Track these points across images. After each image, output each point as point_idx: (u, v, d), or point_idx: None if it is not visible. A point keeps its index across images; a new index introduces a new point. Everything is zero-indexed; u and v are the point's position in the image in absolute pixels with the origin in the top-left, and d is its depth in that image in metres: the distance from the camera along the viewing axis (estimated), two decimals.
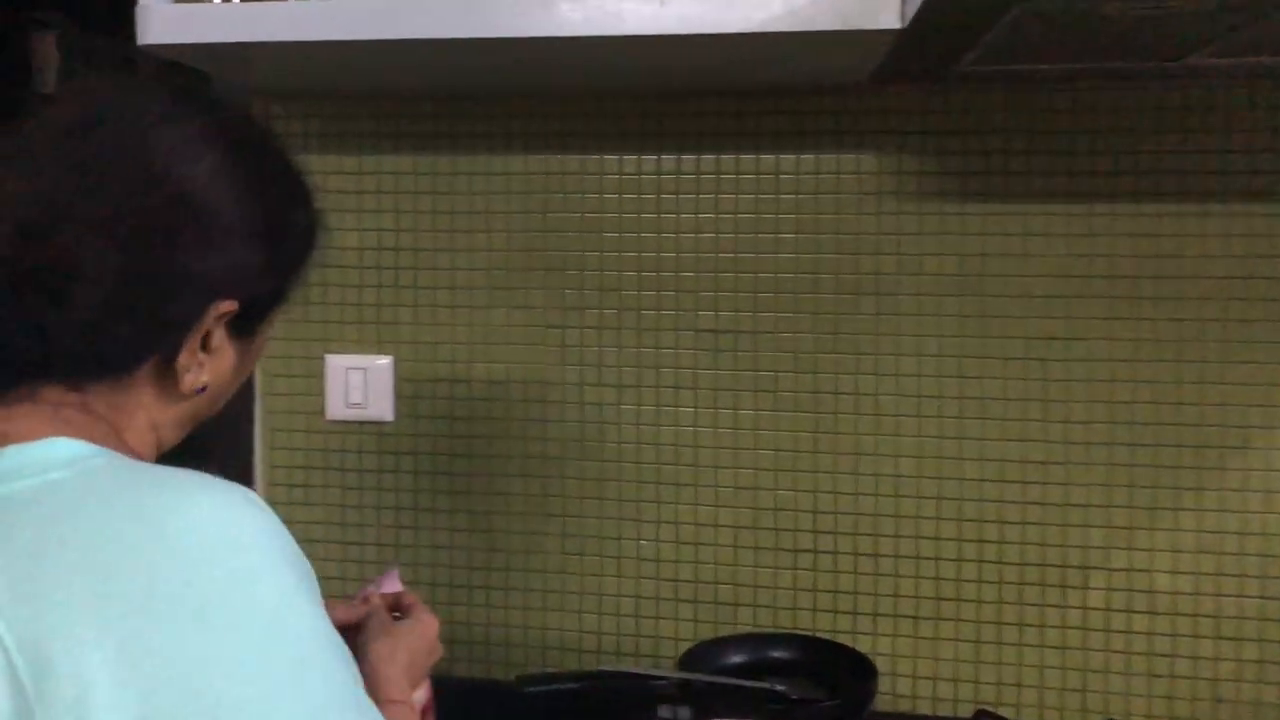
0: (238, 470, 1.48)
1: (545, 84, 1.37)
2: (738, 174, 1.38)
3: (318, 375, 1.47)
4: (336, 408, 1.46)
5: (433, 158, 1.44)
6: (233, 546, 0.56)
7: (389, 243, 1.46)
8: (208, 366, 0.69)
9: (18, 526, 0.54)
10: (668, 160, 1.39)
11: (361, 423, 1.47)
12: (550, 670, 1.38)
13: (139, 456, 0.66)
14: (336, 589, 1.45)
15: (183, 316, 0.67)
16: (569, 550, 1.44)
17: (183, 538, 0.55)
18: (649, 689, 1.21)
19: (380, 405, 1.46)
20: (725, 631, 1.38)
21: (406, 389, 1.46)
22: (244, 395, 1.47)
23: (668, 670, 1.28)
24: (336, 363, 1.46)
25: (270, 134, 0.78)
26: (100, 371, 0.65)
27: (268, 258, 0.71)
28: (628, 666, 1.37)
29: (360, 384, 1.45)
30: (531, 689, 1.18)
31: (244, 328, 0.71)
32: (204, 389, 0.70)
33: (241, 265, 0.69)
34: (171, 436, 0.71)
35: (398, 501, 1.47)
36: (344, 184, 1.46)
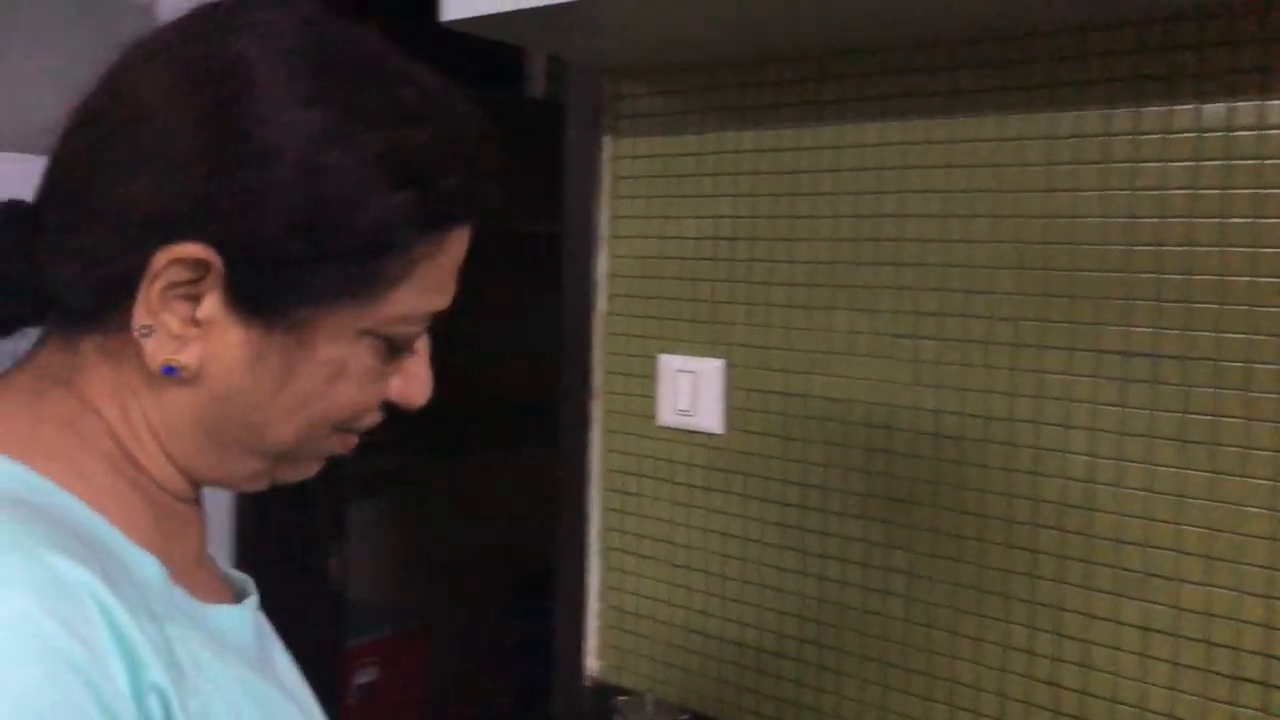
0: (577, 473, 1.39)
1: (916, 31, 1.07)
2: (1164, 132, 0.97)
3: (650, 376, 1.33)
4: (667, 413, 1.31)
5: (775, 131, 1.21)
6: None
7: (725, 231, 1.26)
8: (191, 344, 0.52)
9: None
10: (1064, 119, 1.02)
11: (691, 431, 1.30)
12: None
13: (140, 465, 0.55)
14: (664, 614, 1.32)
15: (108, 252, 0.51)
16: (915, 619, 1.15)
17: None
18: None
19: (709, 414, 1.28)
20: None
21: (738, 398, 1.26)
22: (582, 392, 1.38)
23: None
24: (668, 364, 1.31)
25: (347, 40, 0.55)
26: (67, 320, 0.55)
27: (283, 200, 0.51)
28: None
29: (689, 389, 1.29)
30: None
31: (262, 307, 0.52)
32: (175, 371, 0.53)
33: (214, 200, 0.51)
34: (185, 453, 0.55)
35: (725, 526, 1.28)
36: (683, 166, 1.29)
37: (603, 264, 1.36)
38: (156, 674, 0.45)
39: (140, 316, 0.51)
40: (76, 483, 0.52)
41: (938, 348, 1.12)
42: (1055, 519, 1.05)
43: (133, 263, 0.51)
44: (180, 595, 0.54)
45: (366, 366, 0.56)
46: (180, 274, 0.51)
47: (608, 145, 1.34)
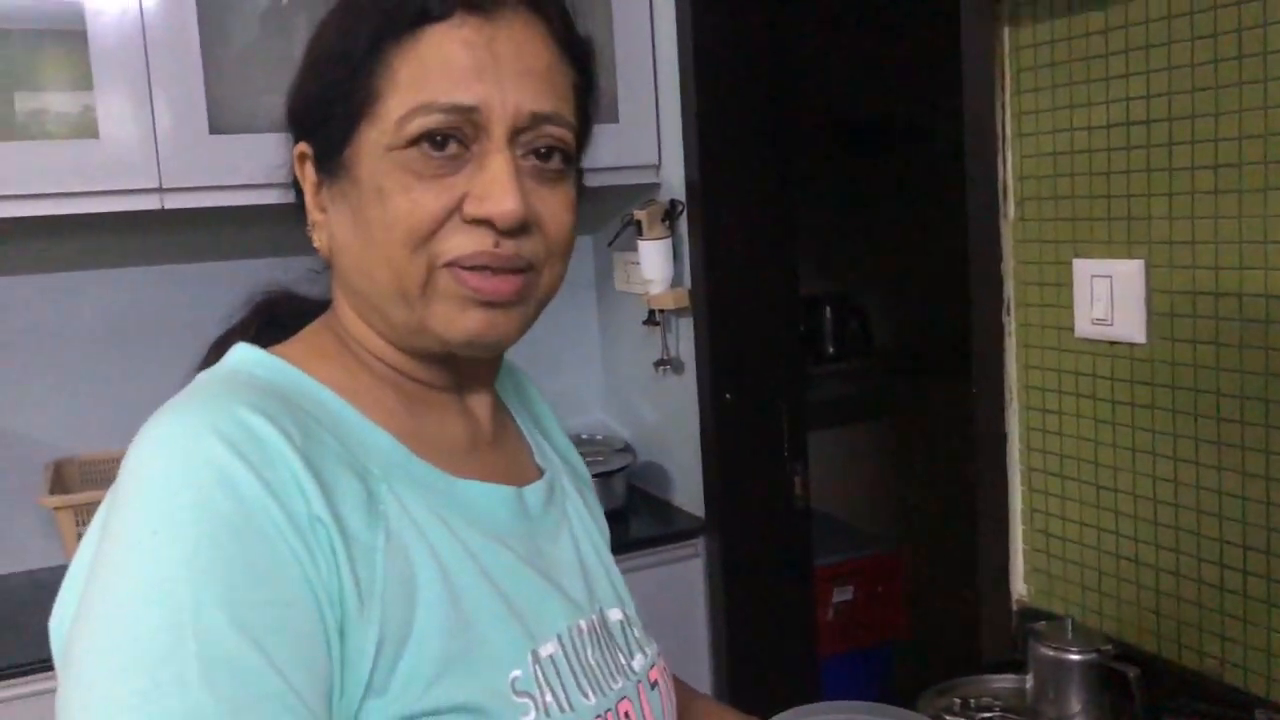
0: (993, 391, 1.34)
1: None
2: None
3: (1066, 284, 1.23)
4: (1084, 323, 1.21)
5: None
6: (137, 477, 0.54)
7: (1140, 114, 1.12)
8: (324, 226, 0.66)
9: None
10: None
11: (1111, 343, 1.18)
12: None
13: (376, 354, 0.67)
14: (1090, 538, 1.23)
15: (288, 161, 0.68)
16: None
17: (126, 459, 0.55)
18: None
19: (1129, 322, 1.15)
20: None
21: (1161, 303, 1.12)
22: (994, 306, 1.32)
23: None
24: (1084, 269, 1.20)
25: None
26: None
27: (312, 83, 0.65)
28: None
29: (1105, 295, 1.17)
30: None
31: (328, 168, 0.65)
32: (323, 255, 0.68)
33: (301, 99, 0.66)
34: (369, 321, 0.66)
35: (1152, 445, 1.15)
36: (1091, 47, 1.16)
37: (1009, 166, 1.28)
38: (320, 508, 0.55)
39: (311, 215, 0.67)
40: (338, 381, 0.64)
41: None
42: None
43: (289, 163, 0.67)
44: (422, 466, 0.63)
45: (400, 178, 0.61)
46: (307, 170, 0.65)
47: (1007, 35, 1.25)
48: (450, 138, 0.60)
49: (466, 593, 0.59)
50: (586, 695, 0.64)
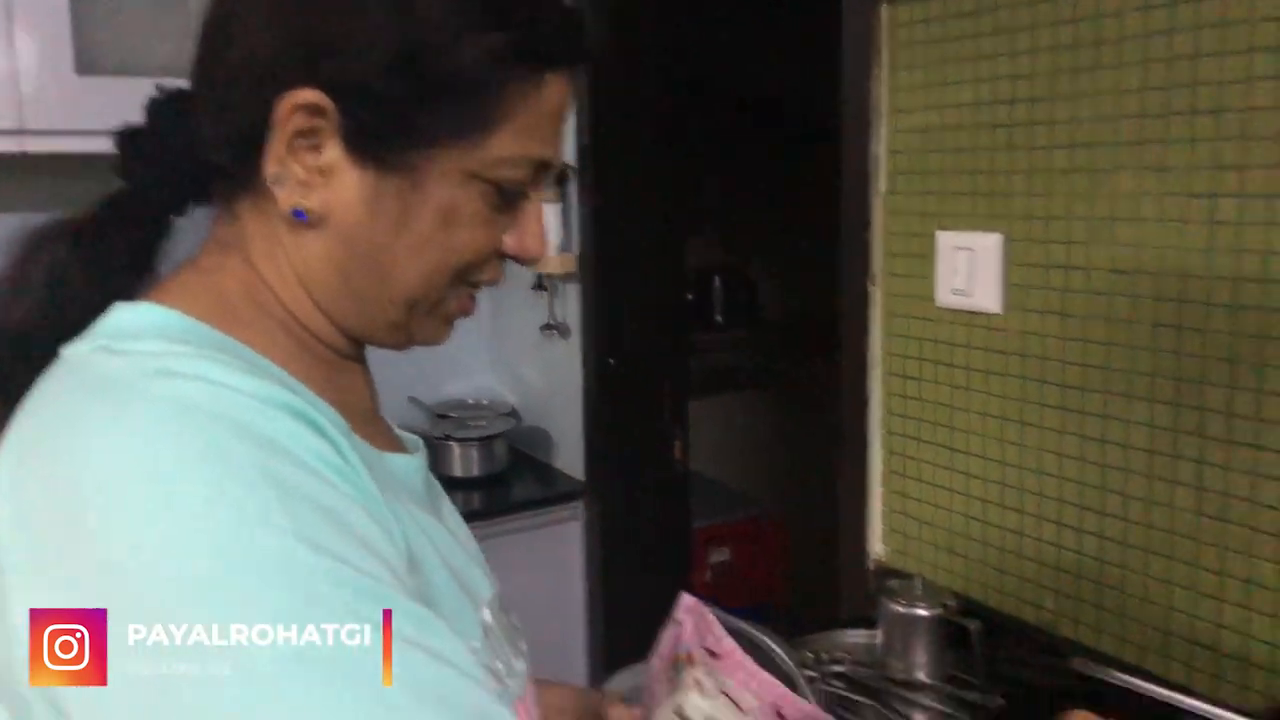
0: (857, 358, 1.39)
1: None
2: None
3: (929, 256, 1.28)
4: (945, 294, 1.26)
5: None
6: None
7: (1004, 94, 1.17)
8: (316, 190, 0.57)
9: (34, 400, 0.54)
10: None
11: (969, 312, 1.24)
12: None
13: (304, 322, 0.61)
14: (944, 500, 1.29)
15: (237, 103, 0.57)
16: (1206, 512, 1.02)
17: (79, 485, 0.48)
18: None
19: (986, 293, 1.21)
20: None
21: (1017, 274, 1.18)
22: (862, 277, 1.37)
23: None
24: (946, 240, 1.25)
25: None
26: (225, 190, 0.61)
27: (380, 39, 0.55)
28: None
29: (965, 267, 1.22)
30: None
31: (374, 149, 0.56)
32: (304, 216, 0.57)
33: (319, 43, 0.55)
34: (326, 300, 0.61)
35: (1004, 411, 1.21)
36: (962, 28, 1.21)
37: (882, 141, 1.32)
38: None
39: (271, 165, 0.56)
40: (267, 347, 0.59)
41: (1238, 206, 0.97)
42: None
43: (259, 112, 0.57)
44: (358, 442, 0.59)
45: (476, 210, 0.59)
46: (301, 121, 0.55)
47: (885, 13, 1.29)
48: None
49: (425, 563, 0.58)
50: (517, 658, 0.65)
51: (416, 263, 0.59)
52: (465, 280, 0.62)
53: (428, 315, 0.62)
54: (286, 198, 0.58)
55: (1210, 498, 1.02)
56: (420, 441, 0.72)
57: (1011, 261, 1.18)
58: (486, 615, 0.63)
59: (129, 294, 0.59)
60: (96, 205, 0.63)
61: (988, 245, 1.20)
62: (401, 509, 0.59)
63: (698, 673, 0.70)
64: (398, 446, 0.69)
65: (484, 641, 0.61)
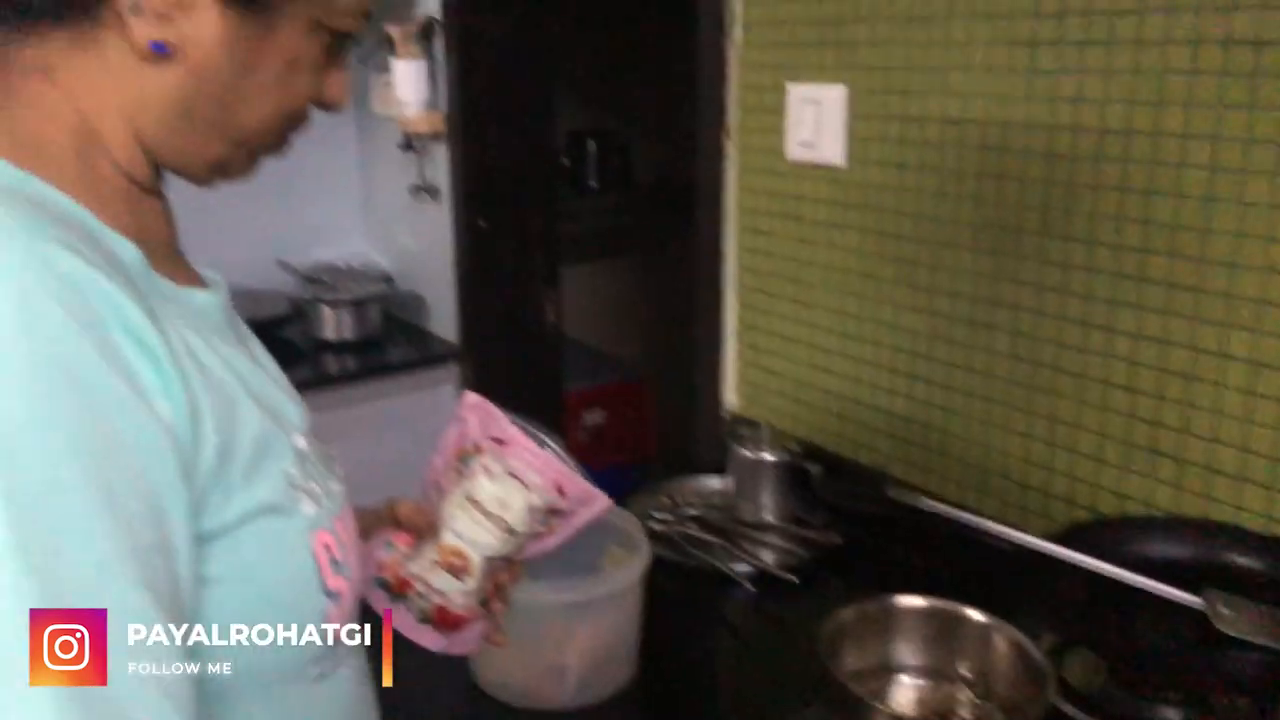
0: (712, 212, 1.40)
1: None
2: None
3: (781, 109, 1.29)
4: (793, 147, 1.27)
5: None
6: None
7: None
8: (175, 24, 0.57)
9: None
10: None
11: (815, 166, 1.26)
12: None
13: (113, 153, 0.60)
14: (792, 352, 1.33)
15: None
16: (1020, 354, 1.08)
17: None
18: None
19: (832, 146, 1.22)
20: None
21: (859, 127, 1.20)
22: (716, 130, 1.37)
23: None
24: (796, 93, 1.26)
25: None
26: (32, 13, 0.58)
27: None
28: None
29: (812, 120, 1.24)
30: None
31: None
32: (164, 49, 0.57)
33: None
34: (157, 134, 0.61)
35: (846, 263, 1.25)
36: None
37: None
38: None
39: None
40: (56, 175, 0.57)
41: (1055, 54, 0.99)
42: (1167, 244, 0.94)
43: None
44: (157, 278, 0.60)
45: (314, 58, 0.63)
46: None
47: None
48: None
49: (226, 389, 0.59)
50: (333, 481, 0.66)
51: (259, 105, 0.62)
52: (291, 126, 0.65)
53: (248, 155, 0.65)
54: (144, 30, 0.58)
55: (1022, 342, 1.07)
56: (221, 280, 0.72)
57: (855, 114, 1.20)
58: (300, 442, 0.65)
59: None
60: None
61: (833, 97, 1.21)
62: (198, 339, 0.59)
63: (485, 459, 0.74)
64: (198, 282, 0.68)
65: (299, 466, 0.63)
